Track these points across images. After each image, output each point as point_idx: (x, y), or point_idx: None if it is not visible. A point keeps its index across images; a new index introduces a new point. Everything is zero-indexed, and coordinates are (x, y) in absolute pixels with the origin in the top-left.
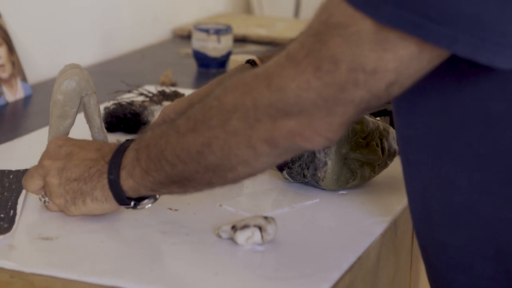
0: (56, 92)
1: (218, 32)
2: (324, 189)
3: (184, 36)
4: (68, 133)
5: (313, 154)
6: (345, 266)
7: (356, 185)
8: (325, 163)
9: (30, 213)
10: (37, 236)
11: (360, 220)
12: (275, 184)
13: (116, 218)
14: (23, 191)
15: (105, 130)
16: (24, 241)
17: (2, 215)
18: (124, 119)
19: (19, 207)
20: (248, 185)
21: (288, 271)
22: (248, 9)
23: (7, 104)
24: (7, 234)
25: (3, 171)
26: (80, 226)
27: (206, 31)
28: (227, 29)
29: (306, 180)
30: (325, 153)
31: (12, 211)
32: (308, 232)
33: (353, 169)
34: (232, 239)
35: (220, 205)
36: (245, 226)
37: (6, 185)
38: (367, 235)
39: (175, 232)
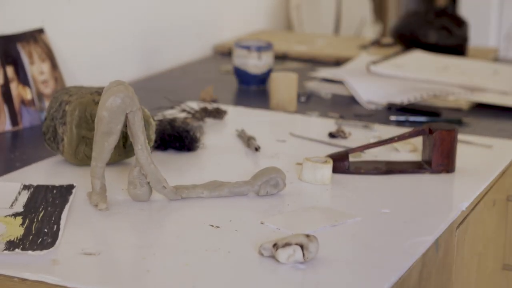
0: (101, 109)
1: (259, 49)
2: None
3: (225, 53)
4: (112, 149)
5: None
6: (387, 285)
7: None
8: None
9: (73, 228)
10: (80, 251)
11: (402, 239)
12: (317, 202)
13: (158, 234)
14: (67, 206)
15: (148, 147)
16: (67, 256)
17: (45, 230)
18: (178, 137)
19: (62, 222)
20: (290, 202)
21: None
22: (288, 26)
23: None
24: (51, 249)
25: (47, 186)
26: (122, 241)
27: (247, 47)
28: (268, 46)
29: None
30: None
31: (55, 226)
32: (349, 250)
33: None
34: (273, 257)
35: (262, 223)
36: (287, 244)
37: (50, 200)
38: (409, 255)
39: (217, 249)
